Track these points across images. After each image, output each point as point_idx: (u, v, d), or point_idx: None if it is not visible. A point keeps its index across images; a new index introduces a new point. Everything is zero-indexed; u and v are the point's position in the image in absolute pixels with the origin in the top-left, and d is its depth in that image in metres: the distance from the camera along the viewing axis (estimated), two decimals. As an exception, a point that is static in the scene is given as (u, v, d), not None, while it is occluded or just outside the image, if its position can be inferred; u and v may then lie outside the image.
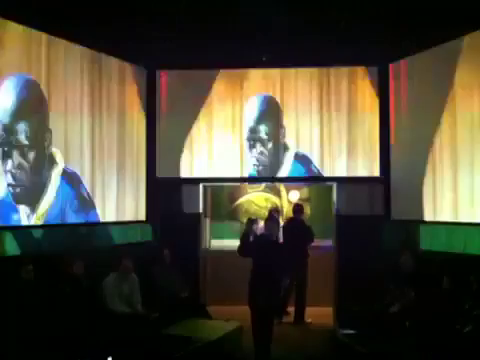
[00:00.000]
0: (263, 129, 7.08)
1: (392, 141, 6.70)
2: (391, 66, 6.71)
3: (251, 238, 5.12)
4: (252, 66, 6.97)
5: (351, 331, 5.45)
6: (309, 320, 6.80)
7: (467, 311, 4.89)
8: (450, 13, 5.43)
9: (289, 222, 7.14)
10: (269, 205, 7.99)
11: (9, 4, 5.01)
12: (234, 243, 7.80)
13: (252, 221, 5.20)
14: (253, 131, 7.07)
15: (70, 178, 5.82)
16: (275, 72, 7.05)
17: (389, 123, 6.74)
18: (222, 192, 8.17)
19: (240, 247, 5.01)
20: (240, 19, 6.12)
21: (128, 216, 6.72)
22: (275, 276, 4.89)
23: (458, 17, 5.47)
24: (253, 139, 7.06)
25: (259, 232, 5.31)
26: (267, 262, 4.85)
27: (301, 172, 7.01)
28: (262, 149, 7.04)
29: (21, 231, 5.25)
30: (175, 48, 6.54)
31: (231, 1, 5.66)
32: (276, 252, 4.96)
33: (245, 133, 7.08)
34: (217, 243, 7.83)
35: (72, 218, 5.84)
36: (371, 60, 6.75)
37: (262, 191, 8.21)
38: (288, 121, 7.00)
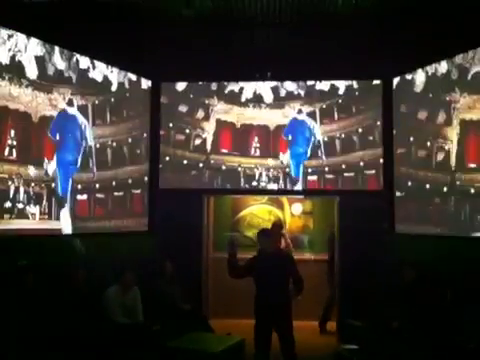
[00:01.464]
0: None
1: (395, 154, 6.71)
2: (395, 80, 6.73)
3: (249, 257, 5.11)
4: (255, 80, 6.99)
5: (353, 346, 5.40)
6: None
7: (471, 327, 4.85)
8: (454, 29, 5.49)
9: (331, 238, 7.27)
10: (272, 218, 7.97)
11: (14, 15, 5.08)
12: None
13: (231, 239, 5.16)
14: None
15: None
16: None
17: (392, 137, 6.73)
18: (225, 204, 8.15)
19: (228, 271, 4.95)
20: (243, 33, 6.23)
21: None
22: (278, 289, 4.83)
23: (462, 33, 5.52)
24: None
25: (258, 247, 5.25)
26: (269, 278, 4.80)
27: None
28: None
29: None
30: (179, 61, 6.61)
31: (235, 18, 5.77)
32: (274, 265, 4.88)
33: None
34: (219, 255, 7.79)
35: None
36: (375, 74, 6.77)
37: (265, 203, 8.19)
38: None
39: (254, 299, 4.93)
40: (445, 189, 5.93)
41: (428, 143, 6.22)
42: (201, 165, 7.08)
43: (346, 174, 6.87)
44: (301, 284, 4.95)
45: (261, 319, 4.86)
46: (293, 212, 8.17)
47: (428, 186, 6.19)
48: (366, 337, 5.42)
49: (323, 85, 6.95)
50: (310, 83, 6.97)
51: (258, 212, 8.17)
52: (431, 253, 5.97)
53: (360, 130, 6.86)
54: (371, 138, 6.85)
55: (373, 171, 6.82)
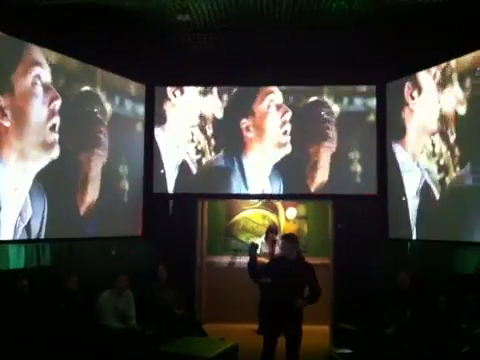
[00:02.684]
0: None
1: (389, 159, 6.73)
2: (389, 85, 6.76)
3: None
4: (250, 84, 6.99)
5: (346, 350, 5.40)
6: None
7: (465, 331, 4.87)
8: (448, 34, 5.53)
9: None
10: (266, 222, 7.97)
11: (11, 20, 5.09)
12: (230, 260, 7.86)
13: (254, 246, 5.13)
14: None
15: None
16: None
17: (385, 141, 6.76)
18: (219, 208, 8.15)
19: (250, 275, 5.00)
20: (238, 38, 6.25)
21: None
22: (293, 295, 4.78)
23: (456, 38, 5.57)
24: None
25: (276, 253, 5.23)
26: (285, 283, 4.76)
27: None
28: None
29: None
30: (174, 65, 6.63)
31: (229, 23, 5.80)
32: (293, 271, 4.81)
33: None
34: (213, 259, 7.79)
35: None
36: (369, 79, 6.80)
37: (259, 208, 8.20)
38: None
39: (264, 302, 4.95)
40: (437, 194, 5.96)
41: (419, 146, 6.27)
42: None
43: (340, 179, 6.87)
44: (316, 295, 4.90)
45: (271, 322, 4.91)
46: (287, 216, 8.18)
47: (421, 191, 6.22)
48: (359, 341, 5.43)
49: (319, 99, 6.95)
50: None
51: (252, 216, 8.18)
52: (425, 258, 6.00)
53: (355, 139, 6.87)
54: (365, 144, 6.87)
55: (367, 176, 6.83)
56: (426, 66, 6.13)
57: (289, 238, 5.07)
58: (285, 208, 8.16)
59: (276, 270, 4.89)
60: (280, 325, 4.84)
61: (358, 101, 6.88)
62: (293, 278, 4.76)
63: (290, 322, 4.81)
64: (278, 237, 7.60)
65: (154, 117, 7.07)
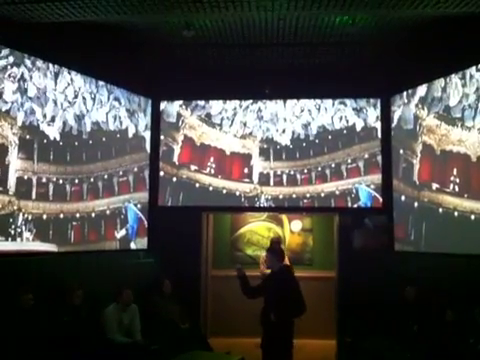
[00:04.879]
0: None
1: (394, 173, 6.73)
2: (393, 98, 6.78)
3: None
4: (254, 98, 7.04)
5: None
6: None
7: (472, 345, 4.84)
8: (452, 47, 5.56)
9: None
10: (271, 235, 7.95)
11: (24, 38, 5.18)
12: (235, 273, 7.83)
13: (238, 270, 5.21)
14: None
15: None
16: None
17: (391, 154, 6.76)
18: (224, 221, 8.15)
19: (244, 293, 5.14)
20: (242, 54, 6.31)
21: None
22: (276, 307, 4.82)
23: (459, 51, 5.59)
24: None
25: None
26: (270, 296, 4.86)
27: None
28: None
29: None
30: (179, 80, 6.69)
31: (233, 39, 5.85)
32: (275, 284, 4.91)
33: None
34: (218, 273, 7.78)
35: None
36: (373, 92, 6.82)
37: (264, 220, 8.19)
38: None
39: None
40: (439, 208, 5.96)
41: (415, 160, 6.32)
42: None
43: (346, 192, 6.87)
44: (297, 310, 4.91)
45: (264, 336, 4.98)
46: (292, 229, 8.16)
47: (423, 205, 6.20)
48: (365, 355, 5.40)
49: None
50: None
51: (257, 229, 8.17)
52: (431, 271, 5.96)
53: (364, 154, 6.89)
54: (372, 158, 6.87)
55: (373, 190, 6.83)
56: (430, 79, 6.16)
57: (270, 250, 5.35)
58: (290, 221, 8.15)
59: (262, 285, 5.13)
60: (263, 339, 4.96)
61: (363, 114, 6.91)
62: (272, 292, 4.88)
63: (268, 337, 4.90)
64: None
65: (160, 130, 7.12)
